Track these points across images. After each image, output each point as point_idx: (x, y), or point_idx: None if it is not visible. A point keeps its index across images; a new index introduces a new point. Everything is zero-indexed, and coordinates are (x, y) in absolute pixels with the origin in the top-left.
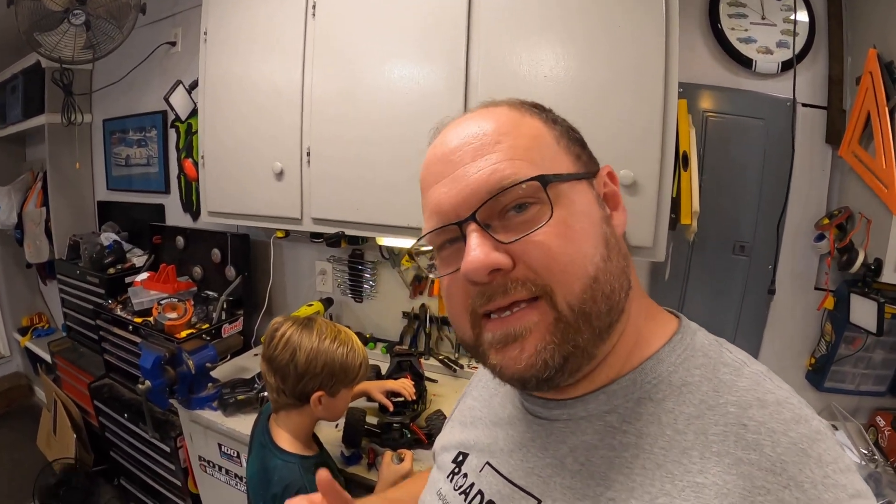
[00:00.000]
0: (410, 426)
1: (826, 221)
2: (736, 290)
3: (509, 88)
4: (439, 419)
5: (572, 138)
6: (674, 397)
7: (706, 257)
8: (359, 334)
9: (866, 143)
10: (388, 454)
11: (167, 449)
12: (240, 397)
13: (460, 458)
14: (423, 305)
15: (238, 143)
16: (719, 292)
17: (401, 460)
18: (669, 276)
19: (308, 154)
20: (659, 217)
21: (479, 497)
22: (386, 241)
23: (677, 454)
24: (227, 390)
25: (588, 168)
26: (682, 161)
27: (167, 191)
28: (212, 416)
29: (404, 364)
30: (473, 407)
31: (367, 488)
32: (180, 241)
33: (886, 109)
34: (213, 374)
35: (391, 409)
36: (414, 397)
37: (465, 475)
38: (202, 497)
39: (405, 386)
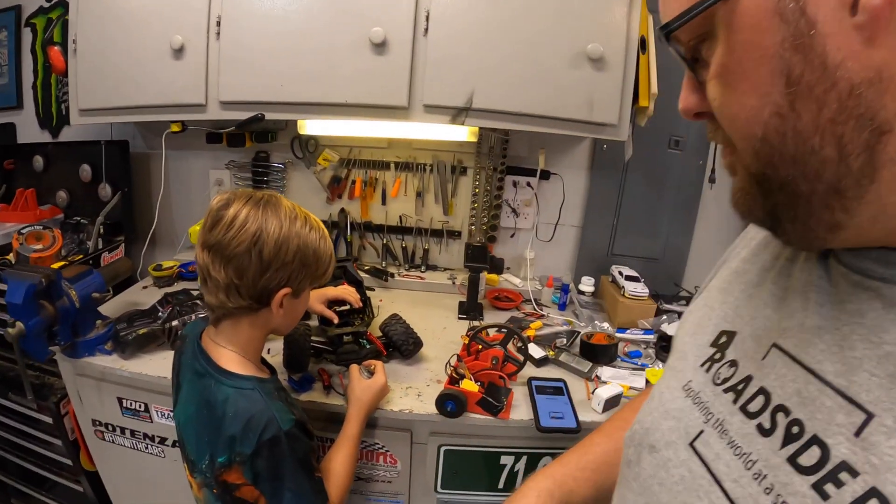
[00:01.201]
0: (367, 335)
1: None
2: (671, 183)
3: None
4: (399, 324)
5: None
6: None
7: (643, 150)
8: None
9: None
10: (356, 368)
11: (48, 420)
12: (141, 331)
13: (723, 339)
14: (342, 211)
15: (123, 17)
16: (656, 184)
17: (371, 373)
18: (607, 166)
19: (218, 24)
20: (624, 94)
21: (761, 397)
22: (312, 126)
23: None
24: (122, 325)
25: None
26: (640, 44)
27: (19, 105)
28: (106, 362)
29: (337, 272)
30: (745, 271)
31: (331, 417)
32: (39, 161)
33: None
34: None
35: (336, 320)
36: (361, 304)
37: (734, 363)
38: (101, 472)
39: (349, 292)
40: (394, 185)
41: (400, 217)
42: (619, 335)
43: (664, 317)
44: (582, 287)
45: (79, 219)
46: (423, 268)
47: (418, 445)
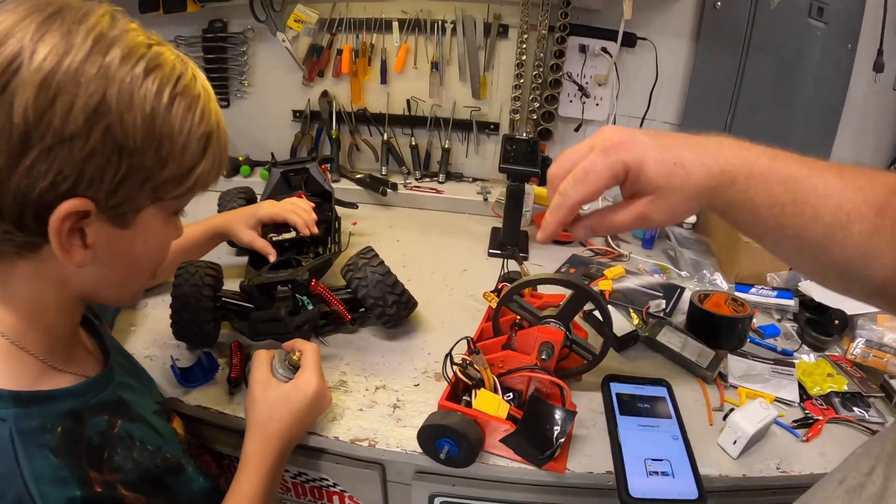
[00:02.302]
0: (311, 286)
1: None
2: (809, 70)
3: None
4: (370, 268)
5: None
6: None
7: (772, 17)
8: None
9: None
10: (263, 358)
11: None
12: None
13: None
14: (324, 94)
15: None
16: (788, 70)
17: (294, 368)
18: (721, 37)
19: None
20: None
21: None
22: None
23: None
24: None
25: None
26: None
27: None
28: None
29: (294, 179)
30: None
31: (229, 440)
32: None
33: None
34: None
35: (274, 257)
36: (316, 231)
37: None
38: None
39: (297, 211)
40: (398, 55)
41: (408, 102)
42: (741, 295)
43: None
44: None
45: None
46: (441, 177)
47: (397, 486)
